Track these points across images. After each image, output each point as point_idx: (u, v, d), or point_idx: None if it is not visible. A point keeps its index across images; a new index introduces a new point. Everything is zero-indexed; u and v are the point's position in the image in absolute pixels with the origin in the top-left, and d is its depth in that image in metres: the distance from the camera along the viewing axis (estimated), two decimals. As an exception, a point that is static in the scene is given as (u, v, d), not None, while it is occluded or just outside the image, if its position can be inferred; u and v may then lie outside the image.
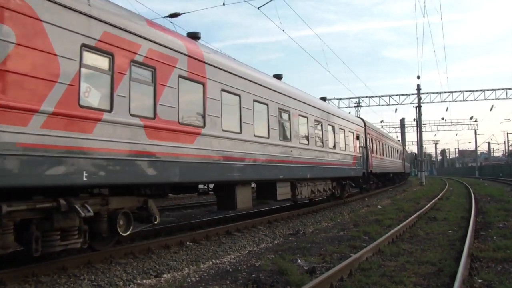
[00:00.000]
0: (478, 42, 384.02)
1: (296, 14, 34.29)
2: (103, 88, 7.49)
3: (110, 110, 7.51)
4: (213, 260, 8.46)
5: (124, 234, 8.22)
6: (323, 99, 21.77)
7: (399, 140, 54.39)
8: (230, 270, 7.43)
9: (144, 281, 6.95)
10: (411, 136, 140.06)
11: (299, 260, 7.87)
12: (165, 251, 9.21)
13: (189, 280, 6.81)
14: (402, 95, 49.97)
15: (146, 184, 8.68)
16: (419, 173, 48.49)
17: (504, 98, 47.57)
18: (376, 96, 50.98)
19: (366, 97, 51.42)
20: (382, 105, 50.94)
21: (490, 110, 63.07)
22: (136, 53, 8.14)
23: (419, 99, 44.59)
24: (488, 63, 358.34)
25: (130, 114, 7.88)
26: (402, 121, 76.48)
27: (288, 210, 16.57)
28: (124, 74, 7.82)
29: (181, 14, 16.69)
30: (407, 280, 6.33)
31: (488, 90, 48.01)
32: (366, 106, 51.27)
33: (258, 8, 16.15)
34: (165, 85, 8.79)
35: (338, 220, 14.62)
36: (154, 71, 8.53)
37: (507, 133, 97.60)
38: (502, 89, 47.81)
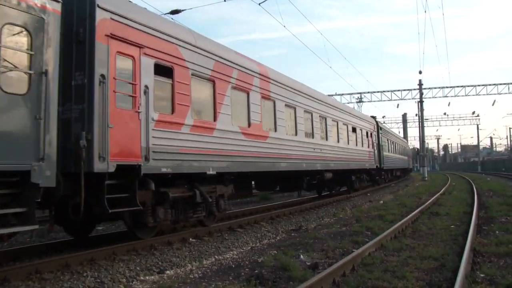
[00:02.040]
0: (480, 37, 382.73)
1: (297, 10, 34.02)
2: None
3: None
4: (216, 256, 8.48)
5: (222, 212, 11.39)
6: None
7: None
8: (233, 266, 7.45)
9: (147, 277, 6.97)
10: (413, 132, 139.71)
11: (301, 256, 7.88)
12: (167, 248, 9.23)
13: (192, 277, 6.83)
14: (404, 90, 50.05)
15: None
16: (421, 168, 48.44)
17: (506, 93, 47.64)
18: (378, 92, 51.04)
19: (368, 92, 51.54)
20: (384, 100, 50.99)
21: (492, 105, 63.06)
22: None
23: (421, 94, 44.55)
24: (490, 58, 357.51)
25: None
26: (404, 116, 76.59)
27: (290, 206, 16.58)
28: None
29: (183, 10, 16.69)
30: (410, 275, 6.33)
31: (490, 85, 48.05)
32: (368, 101, 51.30)
33: (259, 4, 16.09)
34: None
35: (341, 215, 14.63)
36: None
37: (510, 128, 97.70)
38: (505, 83, 47.82)
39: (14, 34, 6.44)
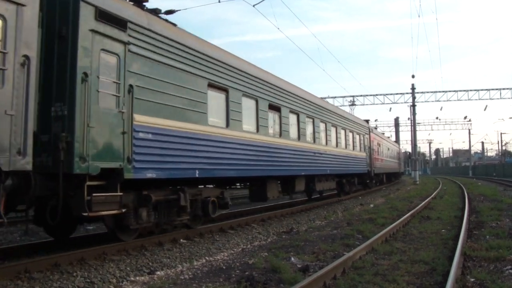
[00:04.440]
0: (473, 42, 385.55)
1: (292, 12, 34.14)
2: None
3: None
4: (207, 258, 8.46)
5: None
6: None
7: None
8: (224, 267, 7.43)
9: (137, 278, 6.93)
10: (405, 135, 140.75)
11: (292, 258, 7.87)
12: (158, 248, 9.17)
13: (182, 277, 6.80)
14: (397, 94, 50.32)
15: None
16: (413, 172, 48.72)
17: (498, 98, 48.07)
18: (371, 95, 51.20)
19: (361, 95, 51.72)
20: (377, 104, 51.23)
21: (484, 110, 63.51)
22: None
23: (414, 98, 44.82)
24: (482, 63, 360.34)
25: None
26: (397, 120, 76.88)
27: (282, 208, 16.58)
28: None
29: (177, 11, 16.62)
30: (400, 279, 6.34)
31: (482, 90, 48.46)
32: (361, 105, 51.49)
33: (253, 5, 16.08)
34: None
35: (332, 218, 14.65)
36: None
37: (501, 133, 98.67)
38: (496, 89, 48.26)
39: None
